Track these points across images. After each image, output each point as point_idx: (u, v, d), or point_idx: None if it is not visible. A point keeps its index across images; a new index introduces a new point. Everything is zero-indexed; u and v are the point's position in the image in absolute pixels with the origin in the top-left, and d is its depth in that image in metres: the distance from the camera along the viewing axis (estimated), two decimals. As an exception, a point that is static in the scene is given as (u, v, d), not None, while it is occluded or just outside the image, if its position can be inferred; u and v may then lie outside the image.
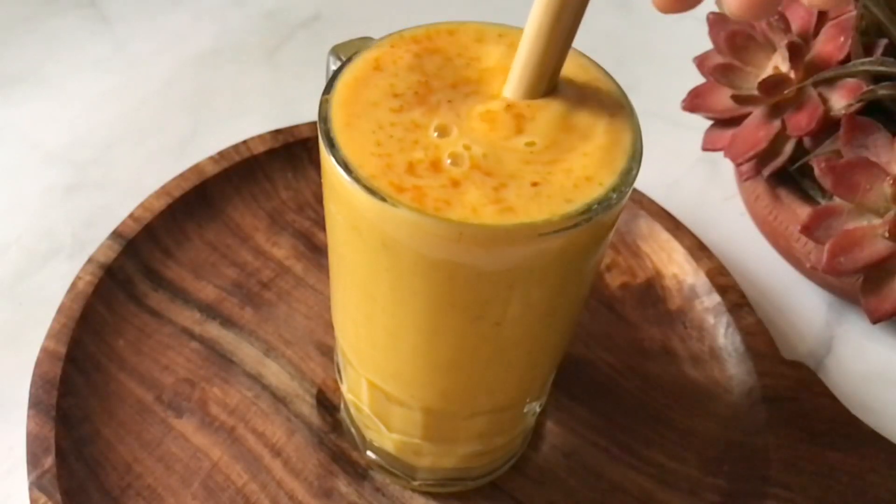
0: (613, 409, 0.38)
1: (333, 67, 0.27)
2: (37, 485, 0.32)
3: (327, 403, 0.37)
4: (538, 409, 0.35)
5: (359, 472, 0.35)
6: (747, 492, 0.35)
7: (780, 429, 0.37)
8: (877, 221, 0.36)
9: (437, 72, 0.27)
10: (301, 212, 0.43)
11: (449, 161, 0.24)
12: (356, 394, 0.33)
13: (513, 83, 0.26)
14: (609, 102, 0.26)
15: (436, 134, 0.25)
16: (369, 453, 0.35)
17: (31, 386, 0.35)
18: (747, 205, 0.45)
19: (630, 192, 0.25)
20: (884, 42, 0.38)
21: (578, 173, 0.24)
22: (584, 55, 0.28)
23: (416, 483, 0.34)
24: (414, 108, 0.26)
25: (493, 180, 0.24)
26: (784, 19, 0.39)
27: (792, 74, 0.39)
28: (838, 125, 0.37)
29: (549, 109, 0.26)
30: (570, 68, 0.27)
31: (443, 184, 0.24)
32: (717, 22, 0.41)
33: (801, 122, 0.38)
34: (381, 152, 0.24)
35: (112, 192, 0.45)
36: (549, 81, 0.26)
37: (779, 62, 0.39)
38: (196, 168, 0.42)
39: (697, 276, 0.41)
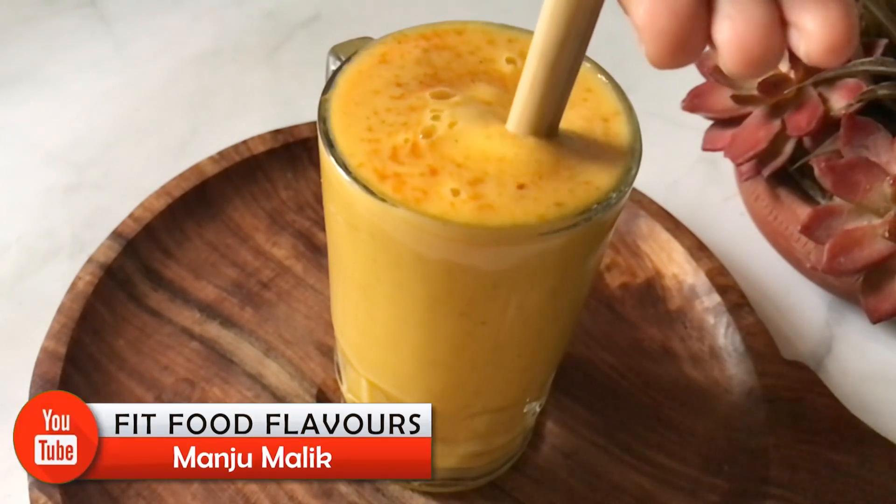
0: (613, 409, 0.38)
1: (333, 67, 0.27)
2: (37, 485, 0.32)
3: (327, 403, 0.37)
4: (538, 409, 0.35)
5: (359, 472, 0.35)
6: (747, 492, 0.35)
7: (780, 429, 0.37)
8: (877, 221, 0.36)
9: (448, 65, 0.27)
10: (301, 212, 0.43)
11: (427, 147, 0.24)
12: (356, 394, 0.33)
13: (514, 119, 0.24)
14: (607, 103, 0.26)
15: (431, 117, 0.25)
16: (369, 453, 0.35)
17: (31, 386, 0.35)
18: (747, 205, 0.45)
19: (629, 191, 0.25)
20: (884, 42, 0.38)
21: (580, 178, 0.24)
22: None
23: (415, 483, 0.34)
24: (416, 93, 0.26)
25: (469, 173, 0.24)
26: (784, 19, 0.39)
27: (792, 74, 0.39)
28: (838, 125, 0.37)
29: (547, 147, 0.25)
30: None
31: (422, 171, 0.24)
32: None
33: (801, 122, 0.38)
34: (370, 137, 0.24)
35: (112, 192, 0.45)
36: (552, 118, 0.24)
37: (779, 62, 0.39)
38: (196, 168, 0.42)
39: (697, 276, 0.41)
